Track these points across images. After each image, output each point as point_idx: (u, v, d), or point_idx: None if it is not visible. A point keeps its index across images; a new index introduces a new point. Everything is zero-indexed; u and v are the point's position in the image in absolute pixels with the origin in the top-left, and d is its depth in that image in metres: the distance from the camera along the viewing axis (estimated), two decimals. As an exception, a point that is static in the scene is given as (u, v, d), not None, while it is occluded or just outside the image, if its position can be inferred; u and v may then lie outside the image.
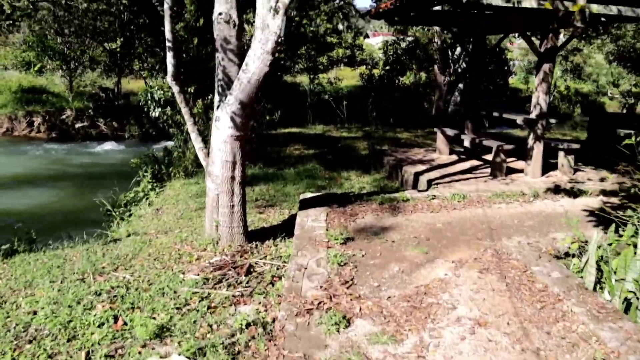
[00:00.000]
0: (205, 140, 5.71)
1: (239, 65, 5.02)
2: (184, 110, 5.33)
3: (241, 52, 5.12)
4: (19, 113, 23.03)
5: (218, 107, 5.10)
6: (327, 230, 5.49)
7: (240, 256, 5.20)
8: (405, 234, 5.50)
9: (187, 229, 6.47)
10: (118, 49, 22.50)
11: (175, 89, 5.16)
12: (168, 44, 5.11)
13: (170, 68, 5.09)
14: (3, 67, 33.54)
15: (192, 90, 11.56)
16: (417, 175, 8.52)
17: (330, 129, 16.32)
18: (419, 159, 9.95)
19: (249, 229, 5.87)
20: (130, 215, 8.30)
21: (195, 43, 12.99)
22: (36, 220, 10.69)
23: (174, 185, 9.17)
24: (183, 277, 4.67)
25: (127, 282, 4.59)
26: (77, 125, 22.56)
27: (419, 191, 7.54)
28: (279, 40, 4.48)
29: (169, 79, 5.11)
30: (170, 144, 18.09)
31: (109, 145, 20.28)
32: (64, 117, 22.72)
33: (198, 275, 4.70)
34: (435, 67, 17.97)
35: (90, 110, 22.71)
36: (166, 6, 4.93)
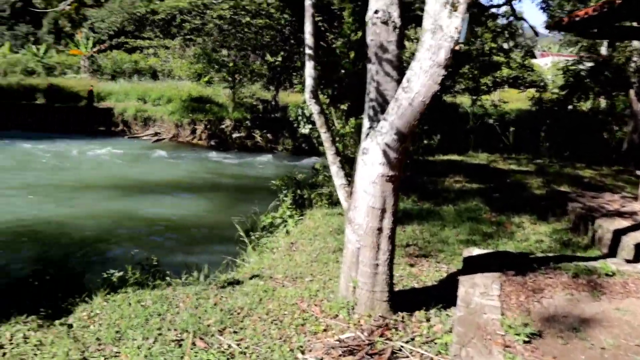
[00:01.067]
0: (350, 175, 4.50)
1: (398, 81, 3.75)
2: (325, 137, 4.18)
3: (401, 64, 3.85)
4: (185, 120, 24.21)
5: (367, 135, 3.86)
6: (502, 314, 3.96)
7: (381, 335, 3.90)
8: (620, 335, 3.75)
9: (320, 278, 5.33)
10: (278, 63, 22.63)
11: (315, 108, 4.03)
12: (308, 50, 4.01)
13: (308, 81, 3.97)
14: (179, 77, 36.24)
15: (345, 107, 10.61)
16: (618, 234, 6.52)
17: (495, 158, 14.38)
18: (615, 209, 7.81)
19: (395, 288, 4.55)
20: (262, 244, 7.46)
21: (352, 57, 12.06)
22: (176, 230, 10.44)
23: (315, 215, 8.16)
24: (302, 358, 3.50)
25: (229, 356, 3.54)
26: (234, 135, 23.09)
27: (627, 261, 5.60)
28: (457, 47, 3.14)
29: (306, 95, 3.99)
30: (319, 161, 17.48)
31: (262, 158, 20.33)
32: (223, 126, 23.41)
33: (321, 359, 3.50)
34: (631, 92, 15.10)
35: (247, 122, 23.13)
36: (308, 2, 3.84)
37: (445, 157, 14.01)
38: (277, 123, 23.46)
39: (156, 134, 25.15)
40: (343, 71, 11.58)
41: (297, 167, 18.05)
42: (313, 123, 10.84)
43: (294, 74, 25.35)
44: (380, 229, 4.01)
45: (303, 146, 22.03)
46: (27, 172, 15.71)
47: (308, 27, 3.95)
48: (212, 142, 23.10)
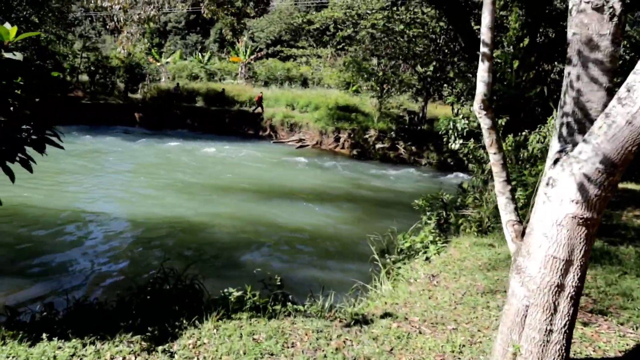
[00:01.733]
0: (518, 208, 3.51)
1: (609, 90, 2.73)
2: (494, 159, 3.24)
3: (616, 67, 2.81)
4: (329, 128, 24.14)
5: (555, 162, 2.87)
6: None
7: None
8: None
9: (466, 326, 4.38)
10: (429, 73, 21.64)
11: (485, 122, 3.12)
12: (483, 49, 3.12)
13: (480, 88, 3.07)
14: (328, 86, 36.69)
15: (503, 123, 9.41)
16: None
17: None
18: None
19: (566, 358, 3.47)
20: (398, 271, 6.62)
21: (515, 67, 10.79)
22: (307, 242, 9.99)
23: (461, 244, 7.14)
24: None
25: None
26: (377, 146, 22.49)
27: None
28: None
29: (475, 106, 3.10)
30: (466, 179, 16.17)
31: (404, 171, 19.45)
32: (367, 136, 22.92)
33: None
34: None
35: (392, 132, 22.39)
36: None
37: (621, 185, 12.04)
38: (422, 135, 22.43)
39: (300, 140, 25.42)
40: (504, 83, 10.37)
41: (442, 184, 16.91)
42: (465, 138, 9.81)
43: (445, 85, 24.12)
44: (560, 286, 2.99)
45: (449, 161, 20.77)
46: (177, 170, 16.51)
47: (486, 19, 3.07)
48: (355, 152, 22.73)
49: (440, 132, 9.96)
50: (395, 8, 17.75)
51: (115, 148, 20.27)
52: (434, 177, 19.00)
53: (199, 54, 46.59)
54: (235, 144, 23.81)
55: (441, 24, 17.41)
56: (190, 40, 61.29)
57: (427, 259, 6.93)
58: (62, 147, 3.55)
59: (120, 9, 15.28)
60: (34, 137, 3.58)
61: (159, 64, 40.74)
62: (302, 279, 7.97)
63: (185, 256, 8.81)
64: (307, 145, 24.58)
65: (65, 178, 14.22)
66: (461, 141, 9.75)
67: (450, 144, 9.70)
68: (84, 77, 32.57)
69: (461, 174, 18.85)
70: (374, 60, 24.36)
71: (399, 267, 6.80)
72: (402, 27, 17.41)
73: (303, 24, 47.13)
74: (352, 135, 23.41)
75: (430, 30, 18.91)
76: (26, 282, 7.40)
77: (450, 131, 9.70)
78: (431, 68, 21.29)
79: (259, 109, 30.07)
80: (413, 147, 22.18)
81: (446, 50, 19.35)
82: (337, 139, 23.96)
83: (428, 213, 8.12)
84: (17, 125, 3.50)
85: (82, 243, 9.17)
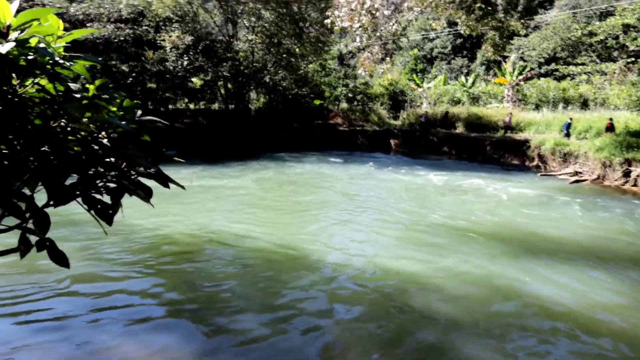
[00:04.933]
0: None
1: None
2: None
3: None
4: (615, 160, 19.05)
5: None
6: None
7: None
8: None
9: None
10: None
11: None
12: None
13: None
14: (614, 107, 30.39)
15: None
16: None
17: None
18: None
19: None
20: None
21: None
22: (582, 338, 6.55)
23: None
24: None
25: None
26: (688, 185, 16.70)
27: None
28: None
29: None
30: None
31: None
32: (672, 171, 17.27)
33: None
34: None
35: None
36: None
37: None
38: None
39: (576, 173, 20.72)
40: None
41: None
42: None
43: None
44: None
45: None
46: (413, 203, 14.20)
47: None
48: (652, 191, 17.29)
49: None
50: None
51: (359, 176, 19.10)
52: None
53: (463, 77, 44.13)
54: (493, 175, 20.50)
55: None
56: (455, 64, 59.31)
57: None
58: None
59: (360, 27, 13.94)
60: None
61: (420, 89, 39.66)
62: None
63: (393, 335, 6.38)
64: (585, 180, 19.80)
65: (313, 208, 13.29)
66: None
67: None
68: (344, 105, 33.10)
69: None
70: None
71: None
72: None
73: (583, 36, 40.94)
74: (649, 170, 17.95)
75: None
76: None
77: None
78: None
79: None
80: None
81: None
82: (626, 174, 18.68)
83: None
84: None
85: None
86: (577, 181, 19.73)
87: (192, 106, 29.13)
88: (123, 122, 2.86)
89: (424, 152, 28.11)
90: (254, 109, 29.79)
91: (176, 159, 3.11)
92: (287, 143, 25.81)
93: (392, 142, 30.13)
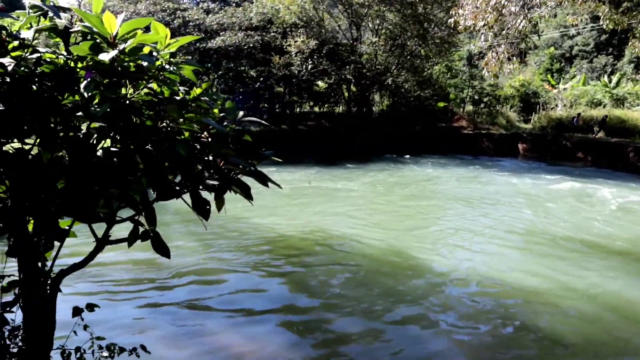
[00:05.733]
0: None
1: None
2: None
3: None
4: None
5: None
6: None
7: None
8: None
9: None
10: None
11: None
12: None
13: None
14: None
15: None
16: None
17: None
18: None
19: None
20: None
21: None
22: None
23: None
24: None
25: None
26: None
27: None
28: None
29: None
30: None
31: None
32: None
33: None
34: None
35: None
36: None
37: None
38: None
39: None
40: None
41: None
42: None
43: None
44: None
45: None
46: (531, 212, 13.24)
47: None
48: None
49: None
50: None
51: (479, 181, 18.31)
52: None
53: (606, 77, 40.51)
54: (633, 185, 18.60)
55: None
56: (598, 63, 54.63)
57: None
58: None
59: (484, 25, 13.32)
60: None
61: (555, 90, 37.10)
62: None
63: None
64: None
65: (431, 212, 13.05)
66: None
67: None
68: (470, 107, 31.96)
69: None
70: None
71: None
72: None
73: None
74: None
75: None
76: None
77: None
78: None
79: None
80: None
81: None
82: None
83: None
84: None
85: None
86: None
87: (317, 109, 29.85)
88: (224, 123, 3.02)
89: (555, 157, 26.21)
90: (376, 112, 29.81)
91: (274, 158, 3.20)
92: (407, 146, 25.45)
93: (520, 146, 28.50)
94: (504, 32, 13.80)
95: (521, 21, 13.59)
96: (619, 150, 24.87)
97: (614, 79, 38.52)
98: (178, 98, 2.86)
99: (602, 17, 18.85)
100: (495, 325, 6.66)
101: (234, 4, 27.84)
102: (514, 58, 14.59)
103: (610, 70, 50.89)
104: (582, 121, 28.53)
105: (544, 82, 40.33)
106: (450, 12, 15.42)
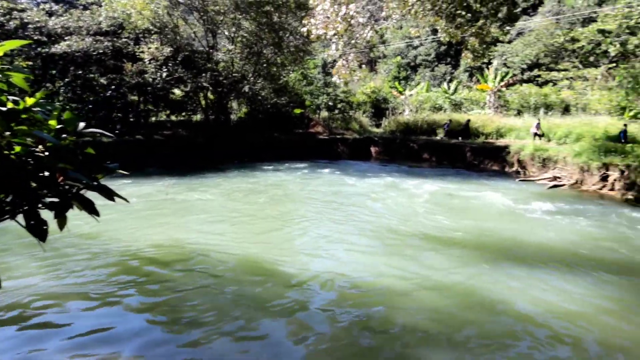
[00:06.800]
0: None
1: None
2: None
3: None
4: (593, 164, 19.22)
5: None
6: None
7: None
8: None
9: None
10: None
11: None
12: None
13: None
14: (595, 112, 30.69)
15: None
16: None
17: None
18: None
19: None
20: None
21: None
22: (549, 347, 6.53)
23: None
24: None
25: None
26: (664, 188, 16.84)
27: None
28: None
29: None
30: None
31: None
32: (648, 175, 17.41)
33: None
34: None
35: (688, 170, 16.51)
36: None
37: None
38: None
39: (555, 178, 20.87)
40: None
41: None
42: None
43: None
44: None
45: None
46: (380, 212, 14.16)
47: None
48: (630, 195, 17.37)
49: None
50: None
51: (335, 185, 19.04)
52: None
53: (446, 84, 44.46)
54: (472, 182, 20.60)
55: None
56: (438, 71, 59.76)
57: None
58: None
59: (335, 34, 13.95)
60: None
61: (402, 96, 39.90)
62: None
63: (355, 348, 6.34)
64: (563, 185, 19.94)
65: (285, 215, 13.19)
66: None
67: None
68: (325, 113, 33.14)
69: None
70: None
71: None
72: None
73: (566, 42, 41.39)
74: (625, 174, 18.09)
75: None
76: None
77: None
78: None
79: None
80: None
81: None
82: (604, 178, 18.85)
83: None
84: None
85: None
86: (555, 186, 19.87)
87: (173, 118, 28.97)
88: (62, 135, 2.82)
89: (404, 159, 28.23)
90: (235, 119, 29.70)
91: (121, 171, 3.06)
92: (266, 153, 25.72)
93: (373, 149, 30.21)
94: (353, 41, 14.51)
95: (369, 32, 14.39)
96: (458, 150, 27.41)
97: (452, 86, 42.39)
98: (4, 109, 2.64)
99: (439, 31, 20.62)
100: (356, 328, 6.98)
101: (80, 7, 26.03)
102: (363, 66, 15.43)
103: (449, 78, 55.86)
104: (423, 123, 31.14)
105: (392, 88, 43.15)
106: (303, 22, 15.85)
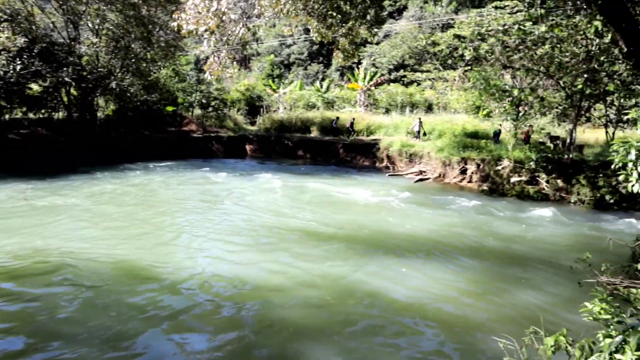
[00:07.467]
0: None
1: None
2: None
3: None
4: (454, 159, 20.77)
5: None
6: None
7: None
8: None
9: None
10: (578, 88, 17.43)
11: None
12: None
13: None
14: (454, 110, 33.19)
15: None
16: None
17: None
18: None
19: None
20: None
21: None
22: (416, 331, 6.93)
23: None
24: None
25: None
26: (512, 180, 18.65)
27: None
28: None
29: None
30: None
31: (547, 211, 15.48)
32: (499, 167, 19.19)
33: None
34: None
35: (531, 163, 18.41)
36: None
37: None
38: (572, 167, 18.18)
39: (420, 172, 22.26)
40: None
41: (602, 231, 12.88)
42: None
43: (599, 102, 19.73)
44: None
45: (607, 199, 16.41)
46: (253, 209, 14.20)
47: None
48: (485, 186, 19.04)
49: (614, 166, 6.44)
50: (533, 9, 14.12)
51: (208, 184, 18.70)
52: (588, 219, 14.87)
53: (318, 83, 45.51)
54: (345, 177, 21.30)
55: (597, 23, 13.55)
56: (311, 70, 61.05)
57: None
58: None
59: (206, 30, 13.65)
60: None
61: (276, 94, 40.16)
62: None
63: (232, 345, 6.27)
64: (428, 179, 21.35)
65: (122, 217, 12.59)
66: (645, 179, 6.20)
67: (632, 184, 6.20)
68: (198, 111, 32.36)
69: (634, 220, 14.59)
70: (507, 77, 20.68)
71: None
72: (543, 29, 13.56)
73: (427, 46, 44.27)
74: (481, 167, 19.80)
75: (581, 33, 15.02)
76: None
77: (631, 164, 6.21)
78: (580, 82, 17.03)
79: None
80: (558, 181, 17.98)
81: (602, 58, 15.24)
82: (463, 171, 20.48)
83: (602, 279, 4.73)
84: None
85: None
86: (421, 180, 21.21)
87: (31, 115, 26.47)
88: None
89: (279, 156, 28.46)
90: (101, 117, 27.94)
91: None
92: (136, 152, 24.43)
93: (248, 147, 30.09)
94: (225, 38, 14.28)
95: (241, 29, 14.22)
96: (331, 147, 28.18)
97: (325, 84, 43.49)
98: None
99: (311, 30, 20.97)
100: (236, 327, 6.92)
101: None
102: (235, 63, 15.23)
103: (321, 77, 57.27)
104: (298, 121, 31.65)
105: (266, 86, 43.28)
106: (174, 16, 15.31)
